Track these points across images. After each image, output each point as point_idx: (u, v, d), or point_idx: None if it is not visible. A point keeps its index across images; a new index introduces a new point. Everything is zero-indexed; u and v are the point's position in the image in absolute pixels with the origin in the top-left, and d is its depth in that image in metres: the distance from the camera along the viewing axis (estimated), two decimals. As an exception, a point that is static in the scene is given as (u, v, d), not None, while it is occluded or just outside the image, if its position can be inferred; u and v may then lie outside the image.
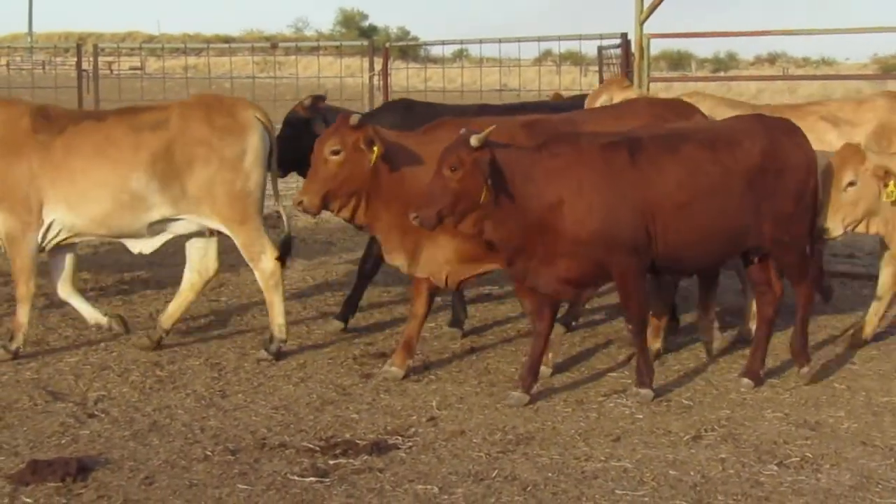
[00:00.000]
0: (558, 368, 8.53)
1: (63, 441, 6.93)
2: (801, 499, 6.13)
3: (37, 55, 36.81)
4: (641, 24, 12.46)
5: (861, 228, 8.51)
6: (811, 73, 53.51)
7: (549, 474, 6.42)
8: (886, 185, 8.18)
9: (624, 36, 13.25)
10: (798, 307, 8.29)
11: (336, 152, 7.92)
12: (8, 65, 30.91)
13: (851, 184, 8.23)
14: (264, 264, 8.73)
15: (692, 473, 6.45)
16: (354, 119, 7.96)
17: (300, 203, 7.98)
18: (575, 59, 20.27)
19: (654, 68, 13.39)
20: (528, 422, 7.35)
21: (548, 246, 7.48)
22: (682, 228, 7.63)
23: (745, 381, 8.13)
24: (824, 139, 9.13)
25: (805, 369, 8.22)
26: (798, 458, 6.70)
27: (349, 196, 8.04)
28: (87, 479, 6.27)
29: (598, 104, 10.23)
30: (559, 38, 14.95)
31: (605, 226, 7.44)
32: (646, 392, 7.80)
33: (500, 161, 7.37)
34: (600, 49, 15.00)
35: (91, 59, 16.29)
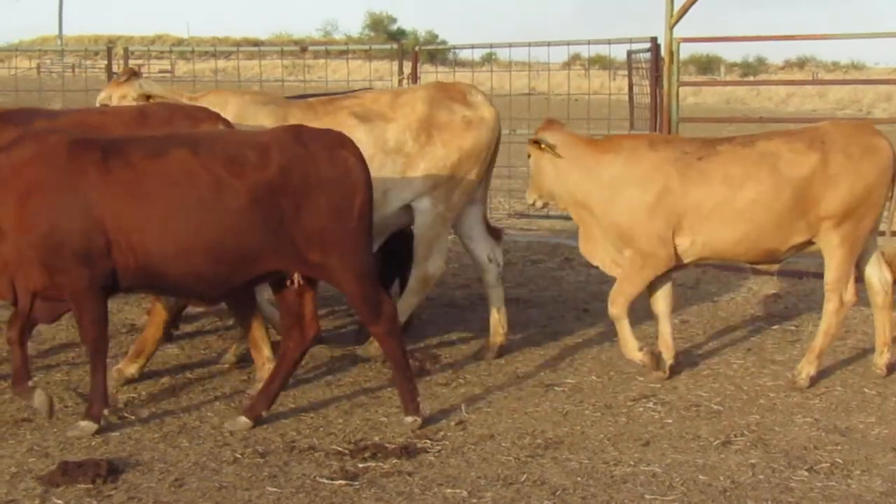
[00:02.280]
0: (587, 373, 8.53)
1: (93, 443, 6.95)
2: (831, 505, 6.11)
3: (67, 58, 36.98)
4: (671, 27, 12.45)
5: (562, 206, 8.68)
6: (841, 78, 53.35)
7: (578, 479, 6.41)
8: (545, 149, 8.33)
9: (654, 40, 13.22)
10: (386, 349, 7.46)
11: None
12: (38, 67, 31.06)
13: (529, 156, 8.43)
14: None
15: (722, 479, 6.43)
16: None
17: None
18: (604, 63, 20.28)
19: (683, 72, 13.37)
20: (557, 426, 7.34)
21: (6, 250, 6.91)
22: (158, 243, 6.87)
23: (242, 419, 7.31)
24: (352, 136, 8.00)
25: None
26: (828, 464, 6.67)
27: None
28: (118, 481, 6.30)
29: (97, 103, 9.42)
30: (588, 42, 14.88)
31: (52, 232, 6.79)
32: (86, 425, 7.08)
33: None
34: (630, 53, 14.98)
35: (121, 62, 16.33)
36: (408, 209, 8.85)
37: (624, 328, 8.39)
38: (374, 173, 7.63)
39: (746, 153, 8.21)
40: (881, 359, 8.55)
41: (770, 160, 8.15)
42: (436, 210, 8.78)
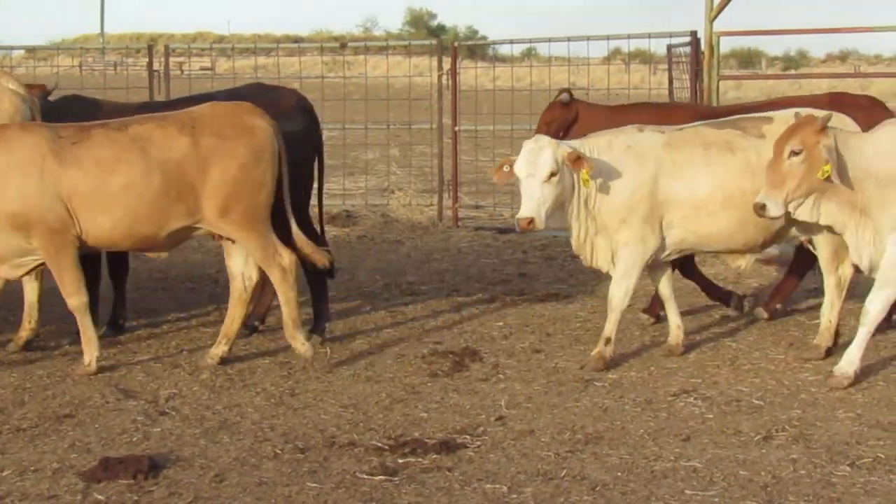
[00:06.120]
0: (627, 368, 8.51)
1: (135, 439, 6.99)
2: (873, 500, 6.06)
3: (109, 56, 37.18)
4: (711, 21, 12.43)
5: None
6: (883, 71, 52.95)
7: (619, 474, 6.40)
8: None
9: (694, 34, 13.19)
10: None
11: None
12: (80, 65, 31.14)
13: None
14: None
15: (763, 474, 6.40)
16: None
17: None
18: (644, 57, 20.15)
19: (724, 66, 13.35)
20: (597, 421, 7.32)
21: None
22: None
23: None
24: None
25: None
26: (871, 459, 6.62)
27: None
28: (159, 477, 6.33)
29: None
30: (628, 37, 14.89)
31: None
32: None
33: None
34: (669, 47, 14.93)
35: (162, 59, 16.43)
36: None
37: (86, 323, 8.38)
38: None
39: (118, 137, 8.19)
40: (217, 349, 8.60)
41: (140, 144, 8.15)
42: None
